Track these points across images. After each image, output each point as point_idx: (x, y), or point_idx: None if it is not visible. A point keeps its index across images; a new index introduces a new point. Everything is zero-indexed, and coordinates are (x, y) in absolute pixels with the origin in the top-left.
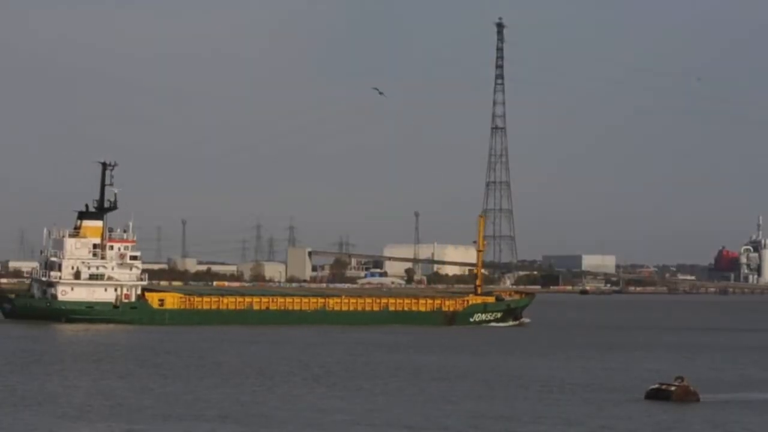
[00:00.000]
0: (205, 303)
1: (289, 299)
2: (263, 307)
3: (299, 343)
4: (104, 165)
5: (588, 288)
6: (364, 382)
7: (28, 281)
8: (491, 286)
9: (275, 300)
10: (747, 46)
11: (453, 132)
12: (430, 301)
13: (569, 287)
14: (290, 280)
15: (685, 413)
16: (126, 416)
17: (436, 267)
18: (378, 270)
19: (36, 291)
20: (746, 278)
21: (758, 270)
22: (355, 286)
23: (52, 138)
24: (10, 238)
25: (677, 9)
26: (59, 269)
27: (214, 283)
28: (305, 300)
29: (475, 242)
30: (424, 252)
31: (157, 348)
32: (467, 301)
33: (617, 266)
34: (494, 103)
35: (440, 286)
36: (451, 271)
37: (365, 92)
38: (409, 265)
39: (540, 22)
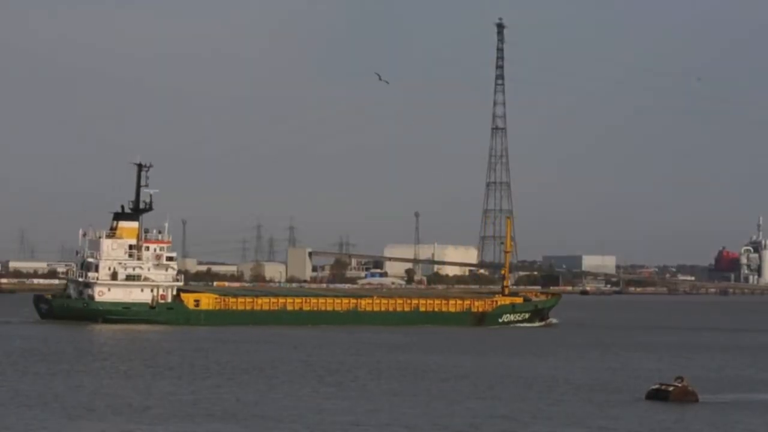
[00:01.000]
0: (240, 304)
1: (321, 300)
2: (296, 308)
3: (321, 343)
4: (139, 166)
5: (588, 288)
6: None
7: (62, 282)
8: (492, 287)
9: (308, 301)
10: (747, 46)
11: (453, 132)
12: (459, 301)
13: (569, 288)
14: (290, 280)
15: (683, 414)
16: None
17: (436, 267)
18: (378, 270)
19: (72, 291)
20: (746, 279)
21: (758, 270)
22: (355, 286)
23: (52, 138)
24: (10, 238)
25: (677, 9)
26: (96, 270)
27: (215, 283)
28: (337, 301)
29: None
30: (425, 252)
31: (206, 349)
32: (496, 301)
33: (617, 267)
34: (494, 104)
35: (440, 287)
36: (451, 271)
37: (365, 92)
38: (409, 265)
39: (540, 22)
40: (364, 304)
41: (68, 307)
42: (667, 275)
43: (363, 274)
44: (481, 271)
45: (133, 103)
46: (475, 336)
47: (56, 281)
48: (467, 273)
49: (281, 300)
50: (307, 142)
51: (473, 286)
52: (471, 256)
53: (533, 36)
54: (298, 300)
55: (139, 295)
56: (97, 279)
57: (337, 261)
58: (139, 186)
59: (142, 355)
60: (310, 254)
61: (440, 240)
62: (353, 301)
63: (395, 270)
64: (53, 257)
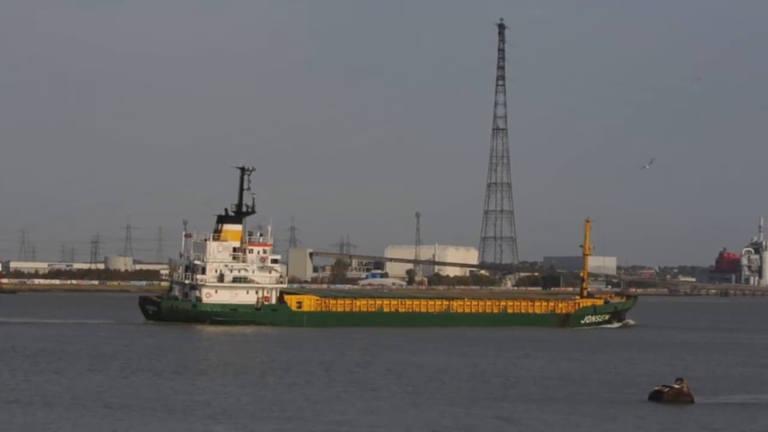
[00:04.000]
0: (339, 305)
1: (416, 302)
2: (392, 310)
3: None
4: (242, 170)
5: (589, 289)
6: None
7: (164, 283)
8: (492, 287)
9: (403, 302)
10: (747, 46)
11: (454, 133)
12: (544, 303)
13: (570, 288)
14: (291, 280)
15: (675, 415)
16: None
17: (436, 268)
18: (379, 271)
19: (177, 293)
20: (747, 280)
21: (759, 272)
22: (356, 287)
23: (51, 137)
24: (10, 238)
25: (677, 9)
26: (203, 272)
27: None
28: (431, 302)
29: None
30: (425, 253)
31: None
32: (578, 303)
33: (618, 268)
34: (495, 104)
35: (441, 287)
36: (451, 272)
37: (366, 92)
38: (410, 266)
39: (541, 22)
40: (456, 305)
41: (177, 308)
42: (668, 276)
43: (364, 274)
44: (482, 271)
45: (133, 103)
46: (590, 336)
47: (57, 281)
48: (467, 274)
49: (378, 302)
50: (307, 142)
51: (474, 287)
52: (472, 256)
53: (534, 37)
54: (394, 302)
55: (245, 297)
56: (205, 281)
57: (337, 262)
58: (242, 189)
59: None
60: (311, 255)
61: (441, 241)
62: (446, 302)
63: (396, 271)
64: (54, 257)
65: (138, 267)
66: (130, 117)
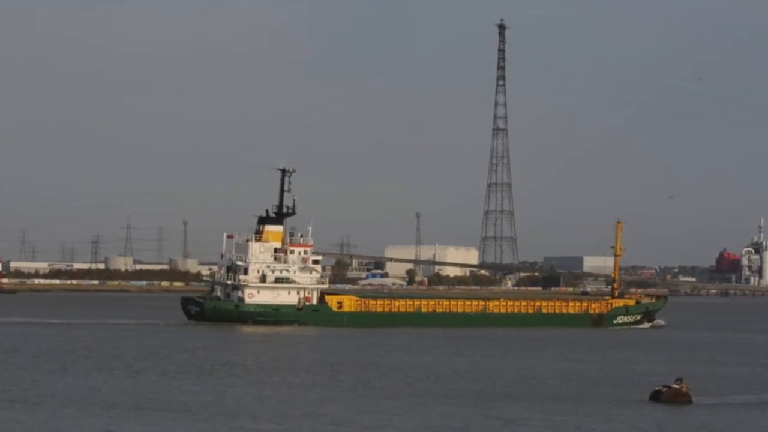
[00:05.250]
0: (379, 306)
1: (453, 302)
2: (431, 310)
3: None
4: (283, 171)
5: (589, 289)
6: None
7: (203, 284)
8: (492, 287)
9: (441, 303)
10: (747, 46)
11: (454, 133)
12: (578, 303)
13: (570, 289)
14: None
15: (673, 415)
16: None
17: (437, 268)
18: (379, 271)
19: (219, 293)
20: (747, 280)
21: (759, 272)
22: (356, 287)
23: (51, 137)
24: (10, 238)
25: (677, 9)
26: (245, 273)
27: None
28: (467, 303)
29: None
30: (426, 253)
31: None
32: (611, 304)
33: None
34: (495, 104)
35: (441, 287)
36: (452, 272)
37: (366, 93)
38: (410, 266)
39: (541, 23)
40: (492, 306)
41: (220, 309)
42: (668, 276)
43: (364, 274)
44: (482, 271)
45: (133, 103)
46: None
47: (57, 281)
48: (468, 274)
49: (416, 302)
50: (307, 142)
51: (474, 287)
52: (472, 257)
53: (534, 37)
54: (431, 302)
55: (287, 298)
56: (248, 282)
57: (338, 262)
58: (282, 190)
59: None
60: None
61: (441, 241)
62: (482, 303)
63: (396, 271)
64: (54, 257)
65: (138, 267)
66: (130, 117)
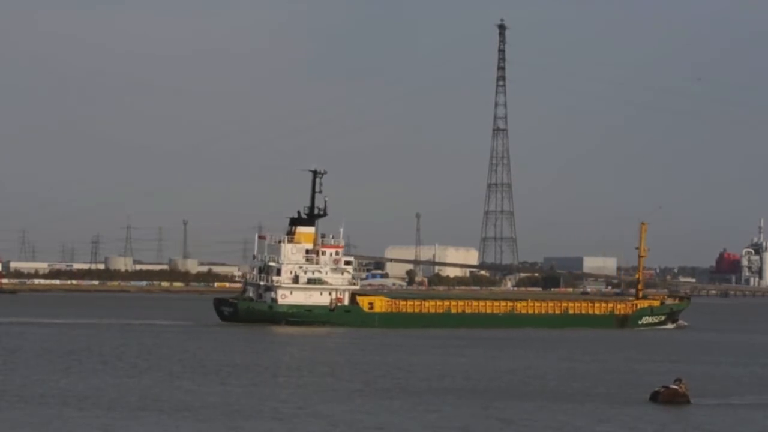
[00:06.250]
0: (409, 307)
1: (482, 303)
2: (460, 311)
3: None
4: (314, 173)
5: (589, 290)
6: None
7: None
8: (492, 288)
9: (470, 304)
10: (747, 46)
11: (454, 133)
12: (603, 304)
13: (570, 289)
14: None
15: (671, 416)
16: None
17: (437, 269)
18: (379, 271)
19: (252, 295)
20: (747, 281)
21: (759, 272)
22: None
23: (51, 137)
24: (10, 238)
25: (677, 9)
26: (278, 274)
27: (215, 284)
28: (496, 304)
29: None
30: (426, 253)
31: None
32: (636, 305)
33: (618, 268)
34: (496, 105)
35: (441, 288)
36: (452, 272)
37: (366, 93)
38: (410, 266)
39: (541, 23)
40: (520, 306)
41: (253, 310)
42: (668, 277)
43: (364, 274)
44: (482, 272)
45: (133, 103)
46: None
47: (57, 281)
48: (468, 274)
49: (446, 303)
50: (307, 142)
51: (474, 287)
52: (472, 257)
53: (534, 37)
54: (460, 303)
55: (319, 299)
56: (281, 282)
57: None
58: (314, 192)
59: None
60: None
61: (441, 241)
62: (510, 304)
63: (396, 271)
64: (54, 257)
65: (138, 267)
66: (130, 117)
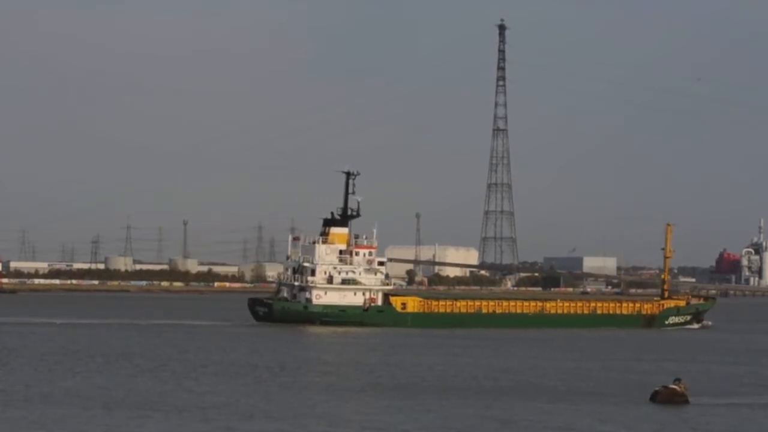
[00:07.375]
0: (441, 307)
1: (512, 303)
2: (491, 311)
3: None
4: (348, 174)
5: (589, 290)
6: None
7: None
8: (492, 288)
9: (500, 304)
10: (747, 46)
11: (454, 133)
12: (630, 304)
13: (570, 289)
14: None
15: (660, 415)
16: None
17: (437, 268)
18: None
19: (286, 295)
20: (747, 281)
21: (759, 272)
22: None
23: (51, 137)
24: (10, 238)
25: (677, 9)
26: (313, 274)
27: (215, 284)
28: (526, 304)
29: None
30: (425, 253)
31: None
32: (662, 305)
33: (618, 268)
34: (496, 105)
35: (441, 288)
36: (452, 272)
37: (366, 93)
38: (410, 266)
39: (541, 23)
40: (549, 306)
41: (288, 310)
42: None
43: None
44: (482, 272)
45: (133, 103)
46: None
47: (57, 281)
48: (467, 274)
49: (477, 303)
50: (307, 142)
51: (474, 287)
52: (472, 257)
53: (534, 37)
54: (491, 303)
55: (353, 299)
56: (315, 283)
57: None
58: (347, 193)
59: None
60: None
61: (441, 241)
62: (539, 304)
63: (396, 271)
64: (54, 257)
65: (138, 267)
66: (130, 117)
